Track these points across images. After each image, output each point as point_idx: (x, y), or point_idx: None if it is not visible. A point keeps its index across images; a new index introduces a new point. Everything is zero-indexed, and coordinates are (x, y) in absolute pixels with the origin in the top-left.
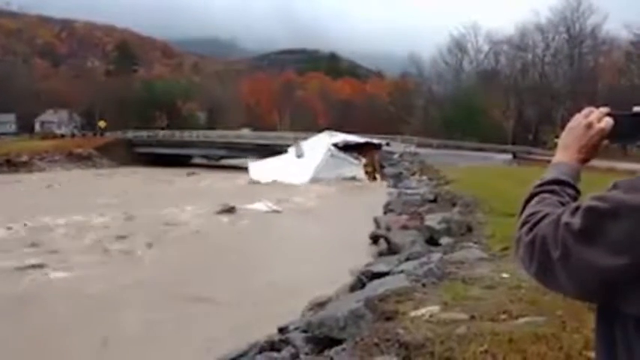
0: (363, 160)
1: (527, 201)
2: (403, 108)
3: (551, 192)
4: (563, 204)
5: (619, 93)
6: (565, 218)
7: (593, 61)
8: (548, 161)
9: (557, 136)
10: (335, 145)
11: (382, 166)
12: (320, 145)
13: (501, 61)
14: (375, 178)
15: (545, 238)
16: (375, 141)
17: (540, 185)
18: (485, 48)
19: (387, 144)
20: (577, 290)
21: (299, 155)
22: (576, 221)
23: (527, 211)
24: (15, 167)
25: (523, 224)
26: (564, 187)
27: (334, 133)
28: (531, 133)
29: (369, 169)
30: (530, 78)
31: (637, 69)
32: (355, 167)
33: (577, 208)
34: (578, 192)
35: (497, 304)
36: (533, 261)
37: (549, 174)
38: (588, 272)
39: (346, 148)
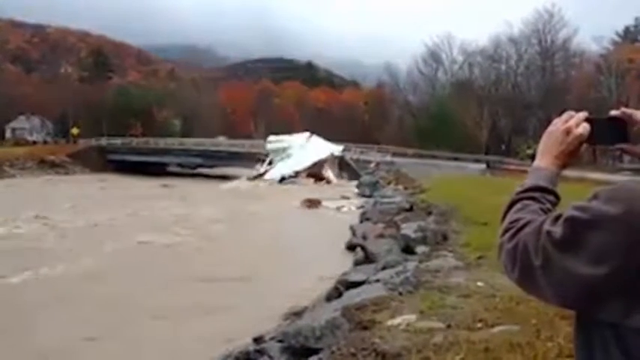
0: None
1: (509, 207)
2: (379, 117)
3: (532, 199)
4: (544, 210)
5: (589, 105)
6: (546, 227)
7: (564, 73)
8: (522, 171)
9: (529, 147)
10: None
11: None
12: None
13: (475, 72)
14: (322, 179)
15: (526, 246)
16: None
17: (521, 192)
18: (460, 59)
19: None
20: (557, 297)
21: None
22: (557, 230)
23: (509, 218)
24: None
25: (505, 231)
26: (544, 193)
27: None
28: (504, 143)
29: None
30: (503, 89)
31: (606, 82)
32: None
33: (558, 217)
34: (557, 197)
35: (472, 312)
36: (515, 267)
37: (529, 180)
38: (568, 281)
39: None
